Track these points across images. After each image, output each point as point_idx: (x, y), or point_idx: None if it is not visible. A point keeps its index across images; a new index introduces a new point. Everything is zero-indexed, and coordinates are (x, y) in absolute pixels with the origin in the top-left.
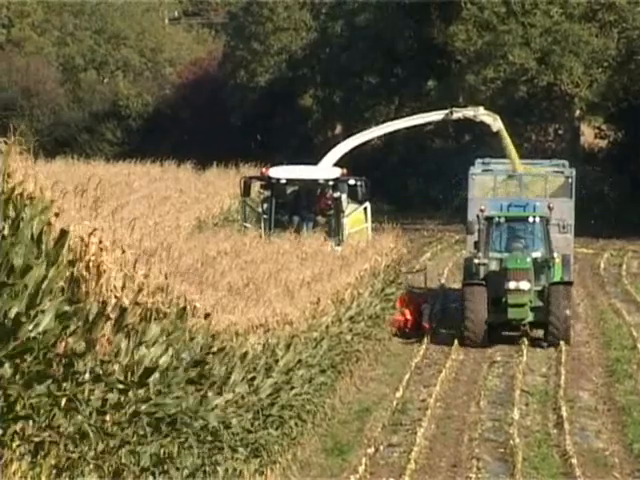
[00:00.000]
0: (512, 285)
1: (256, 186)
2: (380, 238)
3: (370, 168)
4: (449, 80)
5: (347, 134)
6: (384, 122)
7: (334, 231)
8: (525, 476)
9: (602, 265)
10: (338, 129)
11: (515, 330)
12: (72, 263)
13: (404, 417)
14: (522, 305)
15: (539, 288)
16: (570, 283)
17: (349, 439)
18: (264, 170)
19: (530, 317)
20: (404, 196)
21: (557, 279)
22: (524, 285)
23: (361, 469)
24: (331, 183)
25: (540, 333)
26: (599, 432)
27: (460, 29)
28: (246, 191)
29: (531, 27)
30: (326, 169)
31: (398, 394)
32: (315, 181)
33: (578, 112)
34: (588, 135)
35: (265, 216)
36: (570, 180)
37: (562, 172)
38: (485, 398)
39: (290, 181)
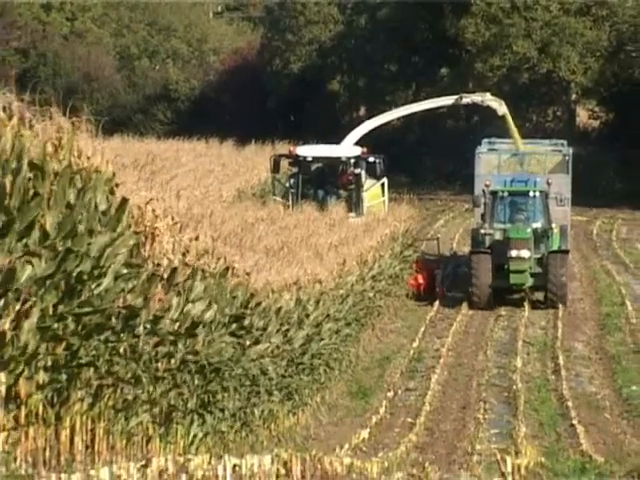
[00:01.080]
0: (514, 253)
1: (285, 163)
2: (399, 207)
3: (390, 146)
4: (460, 68)
5: (370, 115)
6: (402, 105)
7: (355, 204)
8: (526, 417)
9: (595, 231)
10: (362, 111)
11: (517, 293)
12: (130, 229)
13: (420, 365)
14: (523, 271)
15: (539, 256)
16: (567, 251)
17: (371, 384)
18: (292, 149)
19: (530, 282)
20: (419, 171)
21: (555, 248)
22: (525, 253)
23: (382, 410)
24: (352, 160)
25: (540, 296)
26: (592, 378)
27: (470, 22)
28: (275, 168)
29: (533, 21)
30: (348, 148)
31: (414, 344)
32: (338, 159)
33: (574, 96)
34: (583, 116)
35: (292, 190)
36: (567, 158)
37: (560, 151)
38: (491, 348)
39: (315, 159)
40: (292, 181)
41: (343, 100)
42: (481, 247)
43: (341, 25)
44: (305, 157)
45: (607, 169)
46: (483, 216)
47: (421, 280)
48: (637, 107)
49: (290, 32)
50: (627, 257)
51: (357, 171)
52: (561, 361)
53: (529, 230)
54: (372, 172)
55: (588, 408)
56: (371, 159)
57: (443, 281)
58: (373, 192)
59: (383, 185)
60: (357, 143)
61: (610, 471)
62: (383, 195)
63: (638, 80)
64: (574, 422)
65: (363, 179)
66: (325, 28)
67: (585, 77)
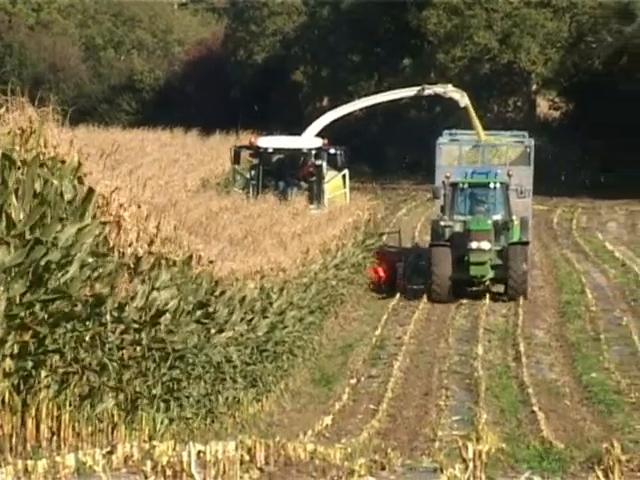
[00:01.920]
0: (474, 245)
1: (246, 154)
2: (362, 196)
3: (353, 136)
4: (422, 58)
5: (333, 106)
6: (365, 96)
7: (316, 196)
8: (487, 403)
9: (555, 220)
10: (325, 101)
11: (478, 286)
12: (97, 219)
13: (382, 352)
14: (483, 263)
15: (499, 248)
16: (527, 243)
17: (334, 371)
18: (252, 140)
19: (490, 274)
20: (382, 160)
21: (515, 239)
22: (485, 245)
23: (345, 397)
24: (313, 152)
25: (500, 288)
26: (552, 365)
27: (432, 14)
28: (236, 159)
29: (494, 12)
30: (309, 139)
31: (377, 332)
32: (299, 150)
33: (534, 86)
34: (543, 107)
35: (253, 182)
36: (528, 150)
37: (522, 142)
38: (453, 335)
39: (276, 150)
40: (253, 172)
41: (306, 90)
42: (441, 239)
43: (304, 16)
44: (266, 148)
45: (567, 159)
46: (443, 208)
47: (382, 273)
48: (597, 97)
49: (254, 23)
50: (587, 246)
51: (318, 163)
52: (522, 348)
53: (489, 222)
54: (333, 164)
55: (548, 395)
56: (332, 150)
57: (404, 274)
58: (334, 184)
59: (344, 177)
60: (318, 134)
61: (570, 457)
62: (344, 187)
63: (598, 71)
64: (534, 409)
65: (324, 171)
66: (289, 19)
67: (545, 68)
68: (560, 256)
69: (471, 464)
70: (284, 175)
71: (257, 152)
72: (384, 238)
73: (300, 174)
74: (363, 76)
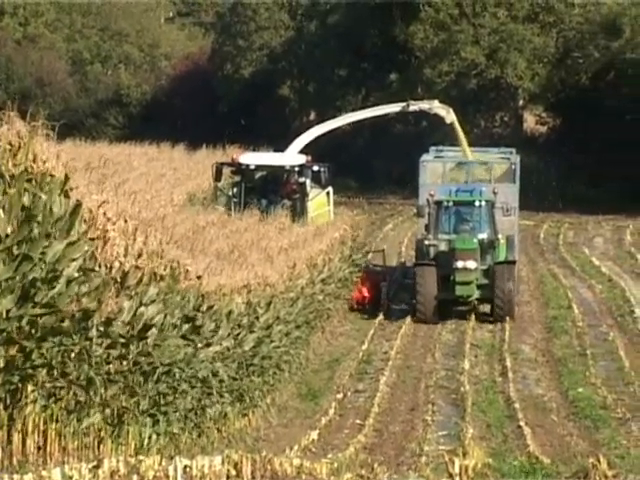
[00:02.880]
0: (460, 264)
1: (228, 171)
2: (346, 213)
3: (339, 150)
4: (409, 73)
5: (320, 120)
6: (352, 110)
7: (298, 214)
8: (474, 418)
9: (542, 235)
10: (312, 115)
11: (464, 306)
12: (86, 235)
13: (369, 367)
14: (469, 283)
15: (485, 267)
16: (513, 262)
17: (321, 386)
18: (234, 156)
19: (476, 294)
20: (369, 175)
21: (502, 259)
22: (471, 264)
23: (331, 412)
24: (296, 169)
25: (487, 308)
26: (539, 380)
27: (419, 29)
28: (217, 176)
29: (481, 27)
30: (292, 156)
31: (364, 347)
32: (282, 167)
33: (521, 102)
34: (530, 122)
35: (235, 199)
36: (514, 167)
37: (508, 159)
38: (439, 350)
39: (258, 167)
40: (235, 190)
41: (293, 105)
42: (426, 258)
43: (292, 31)
44: (248, 165)
45: (554, 174)
46: (427, 226)
47: (366, 292)
48: (583, 113)
49: (241, 37)
50: (573, 261)
51: (301, 180)
52: (508, 363)
53: (475, 240)
54: (317, 181)
55: (535, 410)
56: (316, 168)
57: (389, 294)
58: (318, 201)
59: (328, 194)
60: (302, 151)
61: (557, 472)
62: (329, 204)
63: (584, 86)
64: (521, 424)
65: (308, 188)
66: (276, 33)
67: (532, 83)
68: (547, 271)
69: (457, 479)
70: (266, 193)
71: (239, 169)
72: (369, 256)
73: (283, 191)
74: (350, 91)
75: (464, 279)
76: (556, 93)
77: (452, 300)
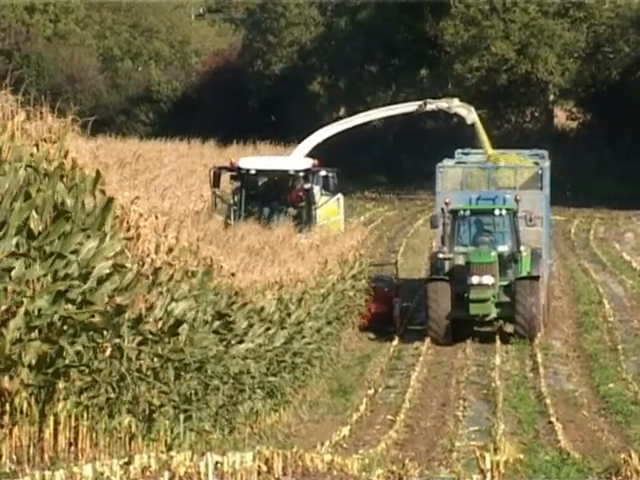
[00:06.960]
0: (475, 280)
1: (227, 177)
2: (377, 207)
3: (369, 146)
4: (439, 69)
5: (350, 116)
6: (383, 106)
7: (304, 223)
8: (505, 414)
9: (573, 230)
10: (342, 112)
11: (486, 326)
12: (119, 234)
13: (400, 363)
14: (485, 300)
15: (505, 283)
16: (537, 277)
17: (352, 382)
18: (233, 161)
19: (494, 313)
20: (399, 170)
21: (524, 274)
22: (487, 280)
23: (362, 408)
24: (301, 174)
25: (511, 328)
26: (570, 376)
27: (449, 24)
28: (216, 182)
29: (511, 22)
30: (297, 160)
31: (394, 343)
32: (285, 172)
33: (552, 97)
34: (561, 117)
35: (235, 208)
36: (540, 172)
37: (537, 163)
38: (470, 346)
39: (260, 172)
40: (236, 197)
41: (323, 101)
42: (440, 274)
43: (322, 27)
44: (249, 170)
45: (585, 169)
46: (442, 238)
47: (376, 310)
48: (614, 108)
49: (271, 34)
50: (604, 256)
51: (307, 186)
52: (539, 359)
53: (493, 254)
54: (325, 187)
55: (566, 405)
56: (323, 172)
57: (402, 312)
58: (328, 209)
59: (339, 201)
60: (309, 154)
61: (588, 467)
62: (339, 212)
63: (615, 81)
64: (552, 419)
65: (316, 195)
66: (306, 30)
67: (563, 78)
68: (578, 267)
69: (489, 475)
70: (270, 200)
71: (239, 174)
72: (379, 270)
73: (289, 199)
74: (380, 87)
75: (479, 296)
76: (586, 88)
77: (467, 319)
